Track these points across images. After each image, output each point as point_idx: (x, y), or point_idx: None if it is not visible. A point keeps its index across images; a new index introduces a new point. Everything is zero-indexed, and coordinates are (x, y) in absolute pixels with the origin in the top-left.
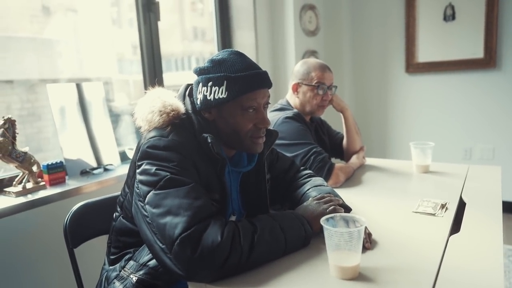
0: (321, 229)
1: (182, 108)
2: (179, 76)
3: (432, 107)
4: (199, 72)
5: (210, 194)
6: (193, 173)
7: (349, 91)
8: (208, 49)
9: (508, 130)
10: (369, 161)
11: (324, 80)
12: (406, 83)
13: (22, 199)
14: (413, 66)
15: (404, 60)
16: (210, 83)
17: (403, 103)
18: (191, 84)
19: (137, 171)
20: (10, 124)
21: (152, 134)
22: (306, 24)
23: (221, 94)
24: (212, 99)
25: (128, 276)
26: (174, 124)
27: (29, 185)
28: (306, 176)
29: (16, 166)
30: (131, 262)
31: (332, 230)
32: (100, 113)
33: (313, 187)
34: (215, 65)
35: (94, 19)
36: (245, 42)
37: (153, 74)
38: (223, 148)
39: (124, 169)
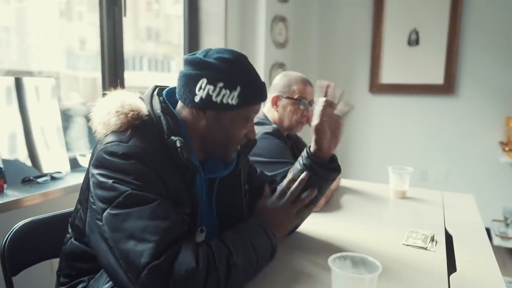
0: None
1: (143, 109)
2: (129, 76)
3: (393, 128)
4: (202, 65)
5: (179, 208)
6: (158, 186)
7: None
8: (162, 51)
9: (462, 154)
10: (344, 182)
11: (306, 95)
12: (369, 103)
13: None
14: (376, 86)
15: (368, 80)
16: (220, 84)
17: (365, 121)
18: (159, 86)
19: (91, 181)
20: None
21: (110, 138)
22: (277, 35)
23: (231, 100)
24: (218, 102)
25: None
26: (135, 127)
27: None
28: None
29: None
30: None
31: (339, 274)
32: (46, 113)
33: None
34: (227, 64)
35: (41, 8)
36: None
37: (113, 73)
38: (194, 152)
39: (74, 179)
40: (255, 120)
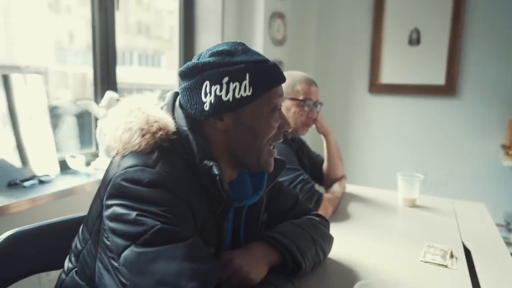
0: None
1: (171, 126)
2: (120, 71)
3: (392, 129)
4: (198, 69)
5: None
6: (191, 220)
7: None
8: (152, 45)
9: (462, 157)
10: (348, 188)
11: (311, 95)
12: (368, 103)
13: None
14: (376, 87)
15: (368, 80)
16: (225, 79)
17: (364, 122)
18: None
19: (106, 213)
20: None
21: (131, 161)
22: (275, 32)
23: (245, 91)
24: (231, 100)
25: None
26: (163, 149)
27: None
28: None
29: None
30: None
31: None
32: (35, 111)
33: None
34: (225, 56)
35: (28, 0)
36: (209, 45)
37: (105, 68)
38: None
39: (64, 182)
40: None
